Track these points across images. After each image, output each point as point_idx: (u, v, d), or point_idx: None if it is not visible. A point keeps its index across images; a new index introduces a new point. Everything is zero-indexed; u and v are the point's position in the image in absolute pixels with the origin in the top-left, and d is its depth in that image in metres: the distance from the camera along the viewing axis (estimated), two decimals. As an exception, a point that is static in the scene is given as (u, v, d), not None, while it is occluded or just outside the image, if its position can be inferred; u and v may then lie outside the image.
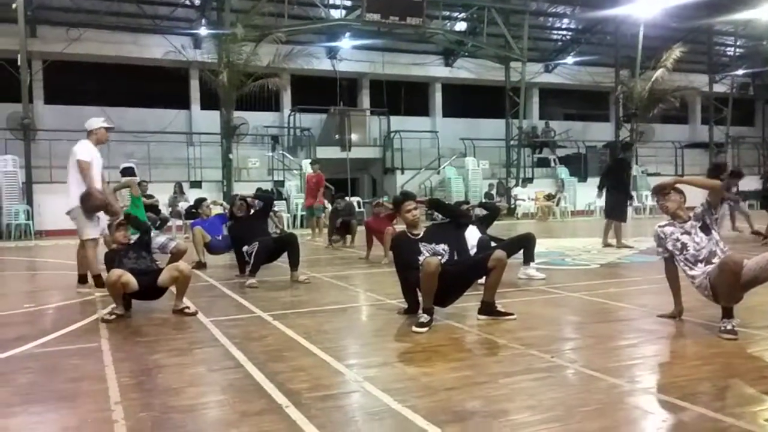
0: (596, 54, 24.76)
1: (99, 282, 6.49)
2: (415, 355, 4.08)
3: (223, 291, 6.79)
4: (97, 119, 6.90)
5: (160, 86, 20.05)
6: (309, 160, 16.25)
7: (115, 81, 19.84)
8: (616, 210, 10.62)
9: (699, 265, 4.57)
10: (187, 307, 5.48)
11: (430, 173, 21.19)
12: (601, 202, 11.44)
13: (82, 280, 6.85)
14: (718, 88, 26.79)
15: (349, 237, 11.71)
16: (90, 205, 6.48)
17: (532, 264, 7.11)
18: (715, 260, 4.49)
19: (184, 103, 20.96)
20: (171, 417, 3.02)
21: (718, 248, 4.59)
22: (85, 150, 6.63)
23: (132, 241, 5.82)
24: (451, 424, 2.82)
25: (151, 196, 14.02)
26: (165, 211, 14.79)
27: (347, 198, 13.68)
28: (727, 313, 4.28)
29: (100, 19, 18.16)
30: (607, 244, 10.36)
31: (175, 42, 18.49)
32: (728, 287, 4.28)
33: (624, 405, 3.11)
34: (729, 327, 4.23)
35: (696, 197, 4.90)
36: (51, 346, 4.50)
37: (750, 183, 17.99)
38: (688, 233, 4.66)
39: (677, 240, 4.68)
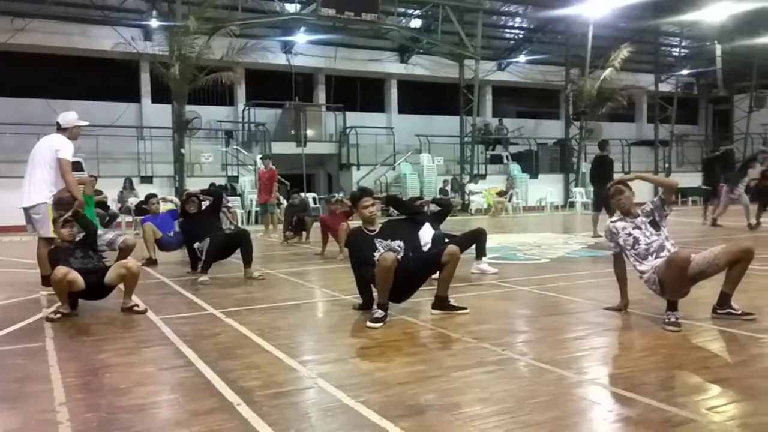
0: (547, 53, 25.22)
1: (48, 281, 6.31)
2: (369, 351, 4.09)
3: (174, 288, 6.67)
4: (72, 115, 6.58)
5: (110, 79, 19.49)
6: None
7: (62, 73, 19.22)
8: (599, 203, 11.24)
9: (649, 258, 4.71)
10: (136, 305, 5.36)
11: (385, 169, 21.24)
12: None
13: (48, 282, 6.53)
14: (664, 87, 27.60)
15: (304, 233, 11.65)
16: (69, 209, 6.12)
17: (484, 258, 7.21)
18: (664, 254, 4.63)
19: (134, 97, 20.48)
20: (118, 417, 2.96)
21: (668, 243, 4.74)
22: (69, 149, 6.31)
23: (78, 239, 5.65)
24: (404, 419, 2.84)
25: (99, 192, 13.64)
26: (114, 207, 14.44)
27: (303, 194, 13.61)
28: (672, 306, 4.42)
29: (47, 9, 17.53)
30: (597, 235, 10.71)
31: (125, 33, 18.01)
32: (676, 282, 4.42)
33: (572, 396, 3.18)
34: (673, 319, 4.36)
35: (644, 194, 5.05)
36: (-7, 346, 4.35)
37: (695, 179, 18.56)
38: (639, 228, 4.80)
39: (629, 235, 4.80)
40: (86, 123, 6.81)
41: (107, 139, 17.60)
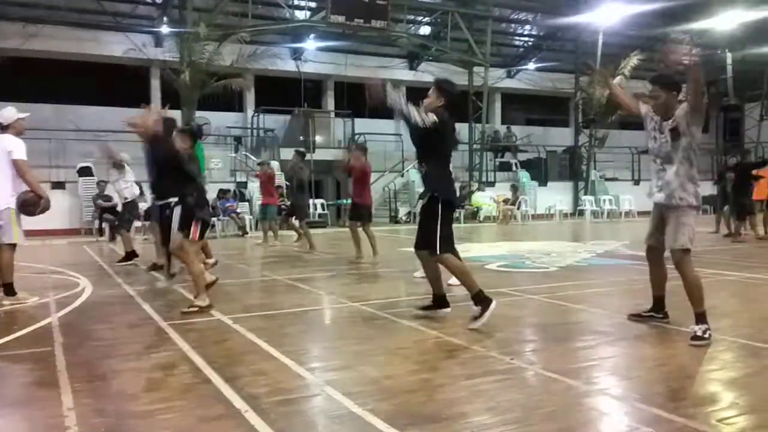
0: (557, 60, 25.18)
1: (10, 290, 6.11)
2: (376, 359, 4.07)
3: (182, 294, 6.68)
4: (9, 110, 6.24)
5: (120, 85, 19.58)
6: (273, 162, 16.14)
7: (73, 79, 19.32)
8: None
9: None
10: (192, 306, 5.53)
11: (394, 176, 21.26)
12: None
13: (10, 290, 6.16)
14: (675, 95, 27.42)
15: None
16: (36, 209, 6.04)
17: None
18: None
19: (144, 102, 20.56)
20: (126, 423, 2.96)
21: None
22: (21, 147, 6.05)
23: None
24: (411, 427, 2.83)
25: (109, 198, 13.77)
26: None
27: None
28: (700, 319, 4.27)
29: (59, 15, 17.70)
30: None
31: (136, 40, 18.17)
32: None
33: (581, 406, 3.16)
34: (699, 333, 4.22)
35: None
36: (2, 350, 4.36)
37: (704, 188, 18.43)
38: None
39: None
40: (27, 114, 6.40)
41: (118, 144, 17.49)
